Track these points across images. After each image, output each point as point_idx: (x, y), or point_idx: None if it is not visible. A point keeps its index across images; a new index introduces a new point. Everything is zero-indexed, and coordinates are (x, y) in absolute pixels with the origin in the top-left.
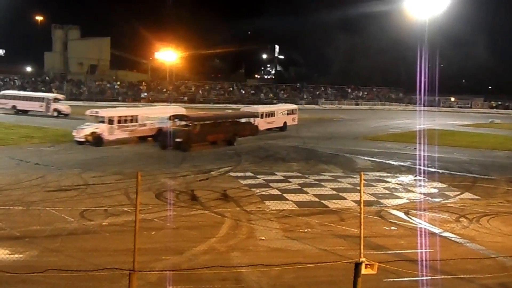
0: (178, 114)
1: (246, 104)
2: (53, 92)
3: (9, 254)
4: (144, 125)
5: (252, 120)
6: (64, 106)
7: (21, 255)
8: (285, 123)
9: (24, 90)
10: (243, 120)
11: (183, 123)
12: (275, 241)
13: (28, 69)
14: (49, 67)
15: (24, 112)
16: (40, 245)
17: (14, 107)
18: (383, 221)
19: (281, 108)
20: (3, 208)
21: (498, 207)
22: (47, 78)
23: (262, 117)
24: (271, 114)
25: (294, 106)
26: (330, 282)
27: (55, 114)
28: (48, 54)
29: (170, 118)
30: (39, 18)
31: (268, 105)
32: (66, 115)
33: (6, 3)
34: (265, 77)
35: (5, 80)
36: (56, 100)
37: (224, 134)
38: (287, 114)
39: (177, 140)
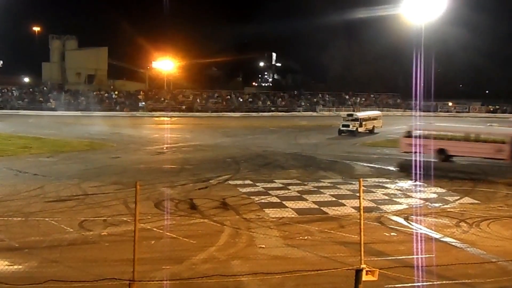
0: None
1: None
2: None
3: (9, 266)
4: None
5: None
6: None
7: (20, 266)
8: None
9: (22, 101)
10: None
11: None
12: (275, 249)
13: (26, 79)
14: (46, 77)
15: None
16: (39, 256)
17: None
18: (383, 227)
19: None
20: (2, 219)
21: (498, 211)
22: (44, 88)
23: None
24: None
25: None
26: None
27: None
28: (45, 64)
29: None
30: (36, 28)
31: None
32: None
33: (4, 14)
34: (263, 84)
35: (3, 91)
36: None
37: None
38: None
39: None
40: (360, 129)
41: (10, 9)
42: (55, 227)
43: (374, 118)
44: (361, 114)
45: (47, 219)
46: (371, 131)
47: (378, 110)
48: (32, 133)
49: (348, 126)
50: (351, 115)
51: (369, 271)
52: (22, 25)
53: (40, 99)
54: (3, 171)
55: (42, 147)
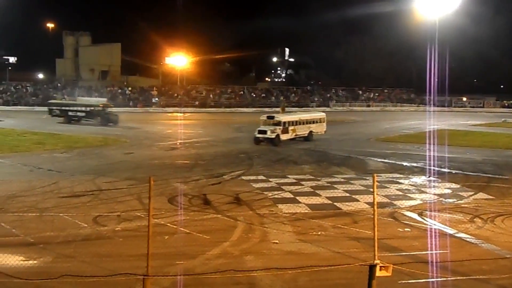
0: None
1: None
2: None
3: (24, 261)
4: None
5: None
6: None
7: (35, 262)
8: None
9: (36, 97)
10: None
11: None
12: (288, 244)
13: (40, 76)
14: (60, 73)
15: None
16: (54, 251)
17: None
18: (396, 223)
19: None
20: (17, 215)
21: None
22: (58, 84)
23: None
24: None
25: None
26: (344, 284)
27: None
28: (59, 60)
29: None
30: (50, 25)
31: None
32: None
33: (18, 10)
34: (276, 80)
35: (17, 87)
36: None
37: None
38: None
39: None
40: (283, 136)
41: (24, 5)
42: (70, 223)
43: (311, 121)
44: (285, 117)
45: (61, 214)
46: (306, 138)
47: (322, 112)
48: (46, 129)
49: (265, 132)
50: (272, 117)
51: (383, 266)
52: (36, 22)
53: (54, 95)
54: (18, 167)
55: (56, 143)
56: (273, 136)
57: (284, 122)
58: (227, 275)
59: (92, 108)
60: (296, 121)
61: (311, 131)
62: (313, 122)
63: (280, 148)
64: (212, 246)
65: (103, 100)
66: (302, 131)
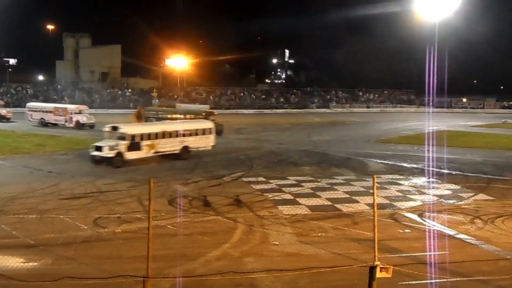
0: None
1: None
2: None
3: (24, 263)
4: None
5: None
6: None
7: (35, 263)
8: None
9: (37, 99)
10: None
11: None
12: (288, 246)
13: (40, 77)
14: (60, 75)
15: None
16: (54, 253)
17: None
18: (397, 224)
19: None
20: (17, 217)
21: None
22: (59, 86)
23: None
24: None
25: None
26: (345, 286)
27: None
28: (59, 62)
29: None
30: (50, 27)
31: None
32: None
33: (18, 12)
34: (276, 81)
35: (17, 89)
36: None
37: None
38: None
39: None
40: (130, 155)
41: (24, 7)
42: (70, 224)
43: (187, 133)
44: (136, 128)
45: (61, 216)
46: (178, 156)
47: (208, 121)
48: (46, 131)
49: (101, 149)
50: (116, 128)
51: (383, 268)
52: (36, 24)
53: (54, 97)
54: (18, 169)
55: (57, 145)
56: (112, 154)
57: (133, 136)
58: (227, 276)
59: (193, 116)
60: (157, 134)
61: (185, 146)
62: (191, 135)
63: (280, 150)
64: (212, 248)
65: (206, 107)
66: (169, 146)
